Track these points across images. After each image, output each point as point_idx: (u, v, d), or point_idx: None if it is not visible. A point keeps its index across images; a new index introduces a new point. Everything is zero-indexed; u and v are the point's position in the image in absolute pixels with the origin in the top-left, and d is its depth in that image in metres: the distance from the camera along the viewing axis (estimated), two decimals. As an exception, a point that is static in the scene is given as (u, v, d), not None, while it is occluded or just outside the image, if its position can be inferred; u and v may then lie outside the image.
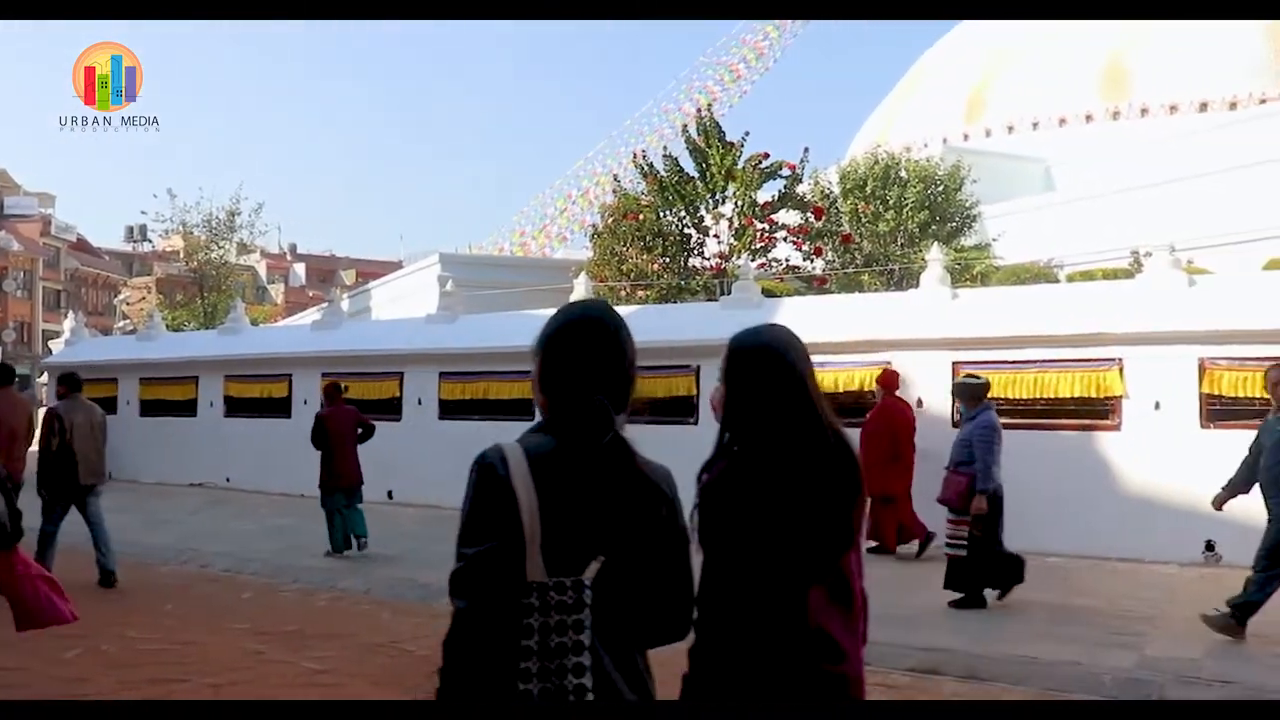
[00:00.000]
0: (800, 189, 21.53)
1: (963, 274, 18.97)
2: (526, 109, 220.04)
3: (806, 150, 21.52)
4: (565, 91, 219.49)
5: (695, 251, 21.23)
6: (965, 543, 8.51)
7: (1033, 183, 28.73)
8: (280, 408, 17.76)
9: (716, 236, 20.98)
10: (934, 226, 21.61)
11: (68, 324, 23.34)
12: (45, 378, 25.02)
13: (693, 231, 21.23)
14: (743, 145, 21.17)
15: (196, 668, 7.01)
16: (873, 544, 10.98)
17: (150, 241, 55.98)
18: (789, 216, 21.28)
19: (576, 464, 2.28)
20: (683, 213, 21.26)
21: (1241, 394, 10.28)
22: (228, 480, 18.18)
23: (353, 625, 8.40)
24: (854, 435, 2.91)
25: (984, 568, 8.53)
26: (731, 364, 2.68)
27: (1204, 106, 30.40)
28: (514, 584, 2.18)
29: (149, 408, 20.04)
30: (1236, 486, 7.63)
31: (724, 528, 2.51)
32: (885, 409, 11.27)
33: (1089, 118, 32.46)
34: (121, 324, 38.66)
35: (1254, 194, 20.11)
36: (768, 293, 16.03)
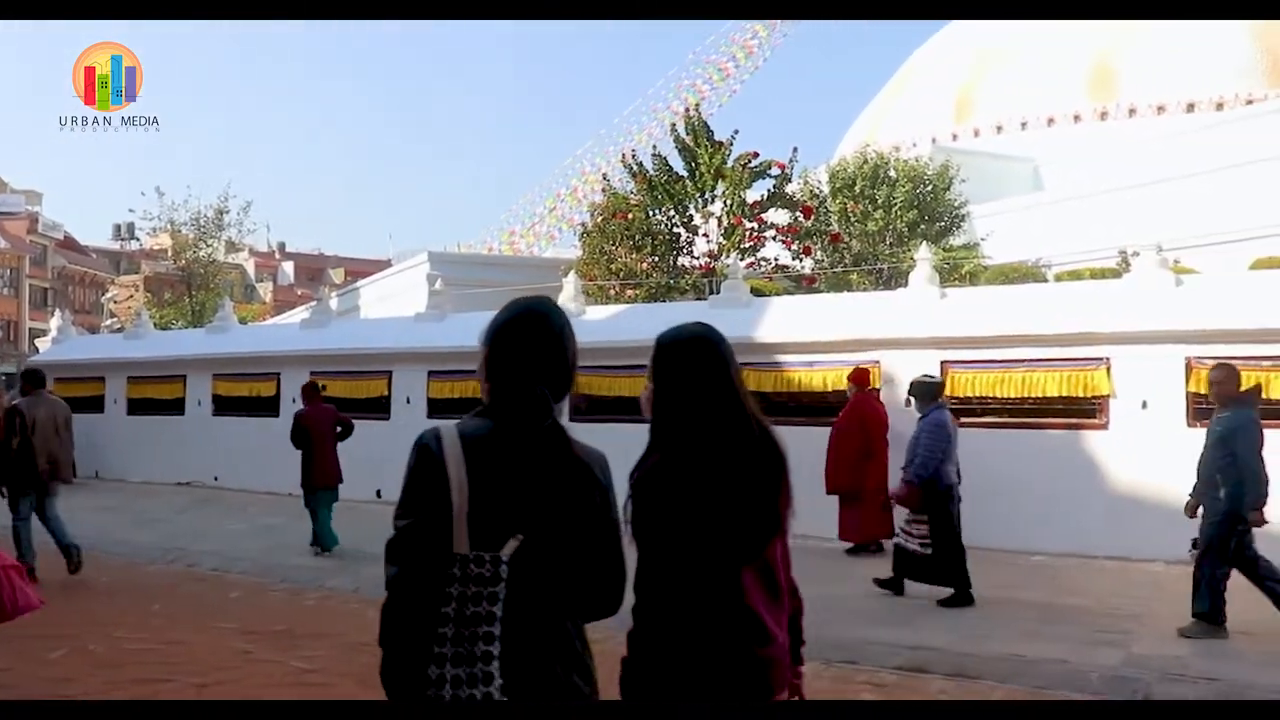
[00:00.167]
0: (789, 188, 21.59)
1: (951, 273, 19.04)
2: (526, 109, 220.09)
3: (795, 149, 21.73)
4: (565, 91, 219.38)
5: (684, 250, 21.25)
6: (929, 540, 8.54)
7: (1021, 182, 28.83)
8: (268, 406, 17.69)
9: (705, 235, 21.01)
10: (923, 226, 21.64)
11: (55, 322, 23.20)
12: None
13: (682, 230, 21.25)
14: (732, 144, 21.21)
15: (183, 667, 6.98)
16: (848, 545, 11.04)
17: (138, 239, 55.89)
18: (778, 216, 21.32)
19: (509, 447, 2.42)
20: (672, 212, 21.27)
21: (1228, 393, 10.30)
22: (216, 479, 18.10)
23: (341, 624, 8.35)
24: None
25: (950, 563, 8.51)
26: (659, 359, 2.71)
27: (1191, 107, 30.56)
28: (441, 555, 2.34)
29: (136, 406, 19.94)
30: (1200, 491, 7.70)
31: (656, 516, 2.57)
32: (857, 405, 11.29)
33: (1077, 118, 32.61)
34: (109, 322, 38.39)
35: (1241, 194, 20.24)
36: (757, 292, 16.03)
